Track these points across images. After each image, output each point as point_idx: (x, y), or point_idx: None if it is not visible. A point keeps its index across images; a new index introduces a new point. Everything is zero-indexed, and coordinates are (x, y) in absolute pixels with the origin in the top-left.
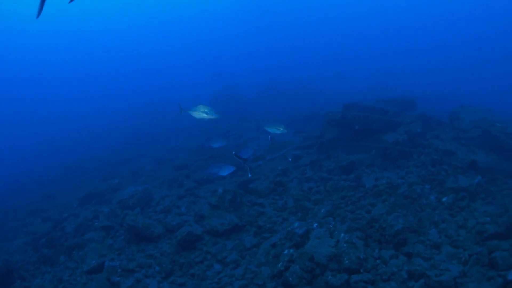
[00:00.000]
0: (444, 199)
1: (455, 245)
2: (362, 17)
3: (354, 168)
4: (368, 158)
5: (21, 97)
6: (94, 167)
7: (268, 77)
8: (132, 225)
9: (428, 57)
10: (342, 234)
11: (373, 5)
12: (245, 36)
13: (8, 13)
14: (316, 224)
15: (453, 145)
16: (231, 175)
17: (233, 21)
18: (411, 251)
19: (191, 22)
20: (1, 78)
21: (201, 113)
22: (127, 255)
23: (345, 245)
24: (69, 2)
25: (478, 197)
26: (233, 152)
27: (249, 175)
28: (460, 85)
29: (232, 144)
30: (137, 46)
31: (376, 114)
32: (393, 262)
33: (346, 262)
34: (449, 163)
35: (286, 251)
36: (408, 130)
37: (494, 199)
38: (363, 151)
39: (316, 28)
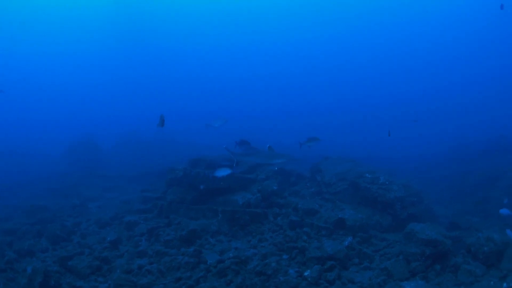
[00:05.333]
0: (306, 273)
1: None
2: (237, 74)
3: (197, 237)
4: (214, 224)
5: None
6: None
7: (131, 127)
8: None
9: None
10: None
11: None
12: (106, 80)
13: None
14: None
15: (315, 202)
16: (54, 246)
17: (94, 67)
18: None
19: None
20: None
21: None
22: None
23: None
24: None
25: (350, 264)
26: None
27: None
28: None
29: (67, 205)
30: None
31: None
32: None
33: None
34: (311, 224)
35: None
36: (262, 188)
37: (372, 262)
38: (209, 215)
39: (190, 79)
